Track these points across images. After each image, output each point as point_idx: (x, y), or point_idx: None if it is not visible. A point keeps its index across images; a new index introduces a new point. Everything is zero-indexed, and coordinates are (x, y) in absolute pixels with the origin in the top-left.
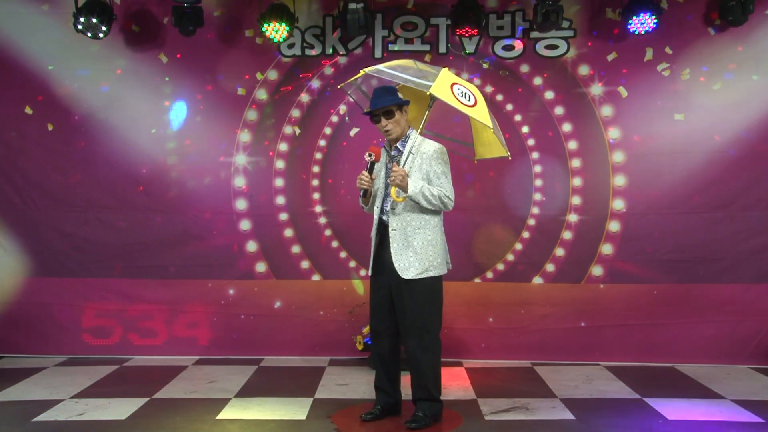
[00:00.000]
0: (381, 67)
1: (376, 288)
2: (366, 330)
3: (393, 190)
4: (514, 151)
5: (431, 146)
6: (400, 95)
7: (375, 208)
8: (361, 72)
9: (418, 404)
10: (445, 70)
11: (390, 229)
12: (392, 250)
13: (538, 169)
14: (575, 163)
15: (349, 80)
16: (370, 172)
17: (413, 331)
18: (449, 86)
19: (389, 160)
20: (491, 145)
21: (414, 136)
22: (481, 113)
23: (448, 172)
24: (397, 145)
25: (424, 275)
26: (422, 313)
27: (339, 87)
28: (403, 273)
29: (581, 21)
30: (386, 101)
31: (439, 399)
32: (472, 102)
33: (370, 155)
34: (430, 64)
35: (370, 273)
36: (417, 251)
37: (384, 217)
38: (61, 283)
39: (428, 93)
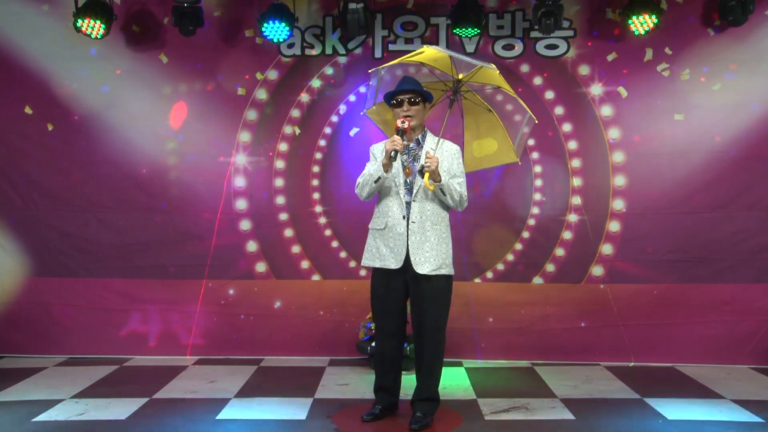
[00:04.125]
0: (448, 51)
1: (389, 287)
2: (368, 317)
3: (426, 177)
4: None
5: (452, 146)
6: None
7: (391, 200)
8: (425, 48)
9: (418, 404)
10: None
11: (410, 221)
12: (410, 243)
13: (538, 169)
14: (575, 163)
15: (406, 58)
16: (402, 139)
17: (428, 328)
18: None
19: (405, 153)
20: (486, 158)
21: (431, 136)
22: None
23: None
24: (418, 137)
25: (438, 272)
26: (438, 311)
27: (370, 71)
28: (419, 267)
29: (581, 21)
30: (417, 86)
31: (439, 398)
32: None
33: (403, 122)
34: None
35: (396, 267)
36: (433, 246)
37: (403, 211)
38: (61, 283)
39: (496, 83)
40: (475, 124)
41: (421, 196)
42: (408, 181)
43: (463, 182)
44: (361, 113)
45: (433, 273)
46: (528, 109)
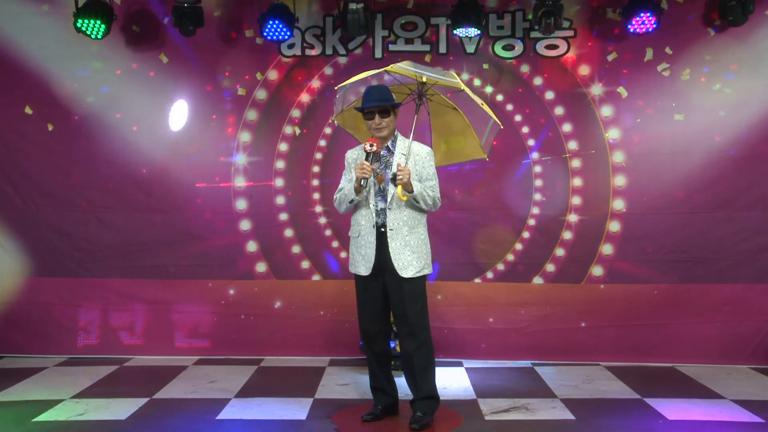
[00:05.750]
0: (402, 65)
1: (368, 289)
2: None
3: (399, 189)
4: (514, 150)
5: (423, 148)
6: (393, 96)
7: (362, 209)
8: (390, 67)
9: (417, 404)
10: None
11: (388, 229)
12: (391, 249)
13: (538, 169)
14: (575, 163)
15: (373, 72)
16: (370, 162)
17: (413, 329)
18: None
19: (376, 160)
20: (454, 153)
21: (402, 138)
22: (490, 112)
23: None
24: (388, 144)
25: (420, 273)
26: (421, 311)
27: (336, 87)
28: (403, 272)
29: (581, 21)
30: (384, 100)
31: (438, 397)
32: (480, 101)
33: (371, 146)
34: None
35: (365, 274)
36: (414, 250)
37: (379, 218)
38: (61, 283)
39: (462, 88)
40: (442, 123)
41: (397, 202)
42: (381, 188)
43: (435, 185)
44: (331, 120)
45: (417, 275)
46: (493, 115)
